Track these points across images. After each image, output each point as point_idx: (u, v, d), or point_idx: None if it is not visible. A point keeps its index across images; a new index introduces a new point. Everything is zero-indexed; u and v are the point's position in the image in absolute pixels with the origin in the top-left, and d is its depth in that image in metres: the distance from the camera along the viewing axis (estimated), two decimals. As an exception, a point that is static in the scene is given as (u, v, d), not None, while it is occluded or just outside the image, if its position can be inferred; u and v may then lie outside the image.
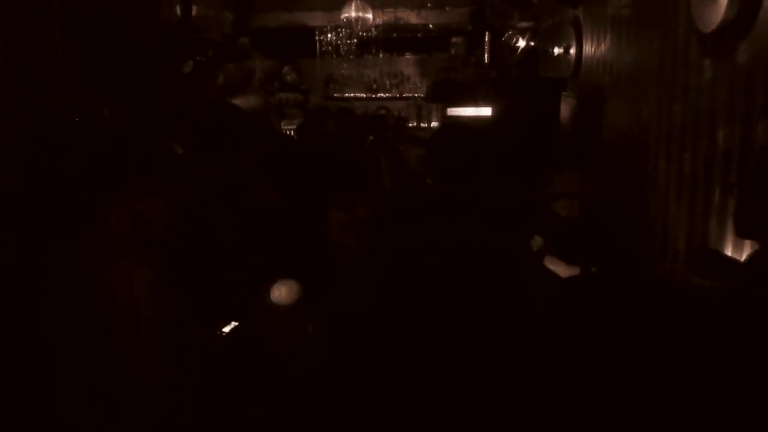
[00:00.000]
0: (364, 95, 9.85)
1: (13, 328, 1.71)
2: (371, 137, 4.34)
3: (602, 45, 4.45)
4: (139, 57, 4.33)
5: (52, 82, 3.53)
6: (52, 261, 1.75)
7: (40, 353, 1.69)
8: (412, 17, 9.22)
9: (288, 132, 7.22)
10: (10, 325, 1.71)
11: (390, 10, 9.02)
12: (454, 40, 8.56)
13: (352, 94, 9.83)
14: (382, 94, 9.84)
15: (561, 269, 3.09)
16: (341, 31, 8.67)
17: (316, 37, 9.09)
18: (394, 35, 9.28)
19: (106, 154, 2.00)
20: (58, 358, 1.69)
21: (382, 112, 9.51)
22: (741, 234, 2.04)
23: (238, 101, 3.62)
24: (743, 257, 2.39)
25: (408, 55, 9.75)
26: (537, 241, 3.19)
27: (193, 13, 5.10)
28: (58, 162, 2.17)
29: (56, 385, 1.70)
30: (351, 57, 9.09)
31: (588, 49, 4.80)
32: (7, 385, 1.69)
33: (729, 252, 2.59)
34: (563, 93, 4.83)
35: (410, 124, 9.48)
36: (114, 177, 1.86)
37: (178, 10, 4.93)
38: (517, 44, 6.82)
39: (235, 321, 2.06)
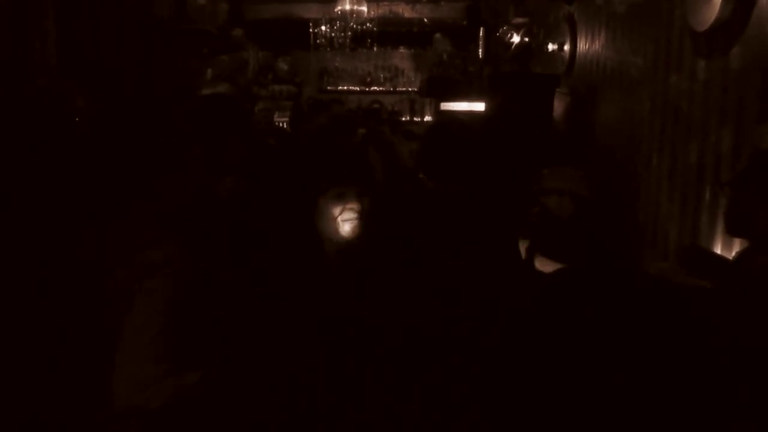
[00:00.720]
0: (358, 89, 9.84)
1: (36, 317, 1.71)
2: (362, 130, 4.33)
3: (596, 42, 4.46)
4: (133, 47, 4.30)
5: (43, 72, 3.51)
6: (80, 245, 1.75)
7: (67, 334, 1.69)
8: (407, 11, 9.21)
9: (281, 124, 7.21)
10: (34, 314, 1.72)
11: (385, 3, 9.00)
12: (435, 37, 8.55)
13: (345, 87, 9.82)
14: (375, 88, 9.83)
15: (551, 267, 3.10)
16: (336, 24, 8.64)
17: (311, 30, 9.06)
18: (389, 29, 9.26)
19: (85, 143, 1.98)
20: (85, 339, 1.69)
21: (376, 105, 9.50)
22: (731, 232, 2.05)
23: (206, 92, 3.62)
24: (732, 255, 2.40)
25: (402, 49, 9.75)
26: (522, 244, 3.20)
27: (187, 4, 5.07)
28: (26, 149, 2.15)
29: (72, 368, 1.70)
30: (345, 50, 9.07)
31: (582, 45, 4.80)
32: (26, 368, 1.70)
33: (719, 250, 2.60)
34: (557, 89, 4.83)
35: (403, 118, 9.48)
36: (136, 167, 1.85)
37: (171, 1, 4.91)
38: (512, 40, 6.80)
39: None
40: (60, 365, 1.71)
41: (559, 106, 4.77)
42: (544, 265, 3.11)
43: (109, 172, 1.89)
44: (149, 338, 1.60)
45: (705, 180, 2.80)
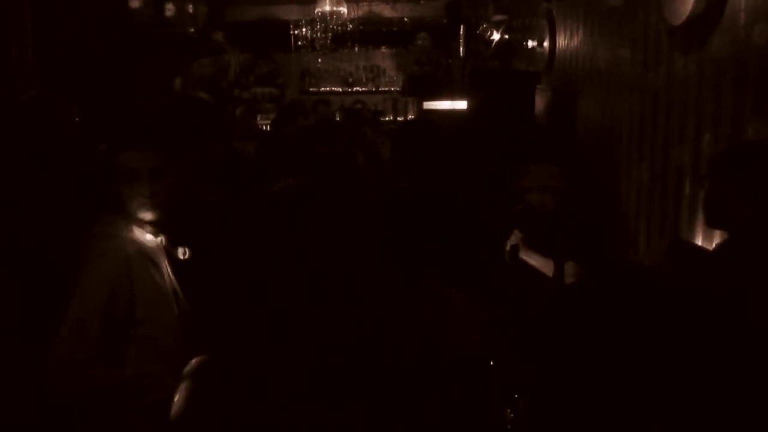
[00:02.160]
0: (340, 89, 9.83)
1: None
2: (348, 132, 4.33)
3: (575, 38, 4.48)
4: (112, 52, 4.27)
5: (22, 78, 3.48)
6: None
7: None
8: (387, 11, 9.21)
9: (263, 126, 7.19)
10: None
11: (365, 3, 9.00)
12: (418, 35, 8.57)
13: (328, 88, 9.81)
14: (358, 88, 9.83)
15: (536, 261, 3.12)
16: (316, 25, 8.64)
17: (291, 31, 9.05)
18: (370, 29, 9.26)
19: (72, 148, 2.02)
20: None
21: (359, 106, 9.50)
22: (711, 224, 2.07)
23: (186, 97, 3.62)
24: (713, 247, 2.43)
25: (384, 49, 9.75)
26: (515, 236, 3.22)
27: (167, 6, 5.05)
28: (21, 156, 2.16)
29: None
30: (326, 51, 9.06)
31: (561, 42, 4.83)
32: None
33: (699, 242, 2.63)
34: (538, 86, 4.85)
35: (386, 118, 9.49)
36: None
37: (150, 4, 4.88)
38: (492, 37, 6.84)
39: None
40: None
41: (540, 103, 4.80)
42: (530, 257, 3.14)
43: (99, 177, 1.93)
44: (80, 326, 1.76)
45: (684, 173, 2.82)
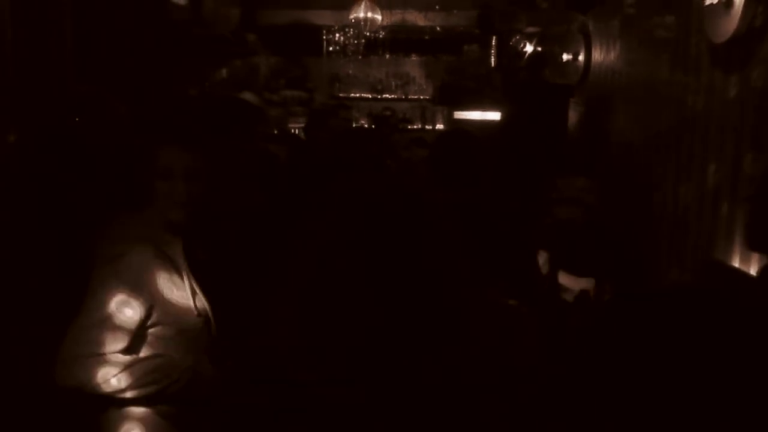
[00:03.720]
0: (369, 95, 9.84)
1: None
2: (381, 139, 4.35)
3: (611, 52, 4.45)
4: (150, 50, 4.32)
5: (61, 75, 3.52)
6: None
7: None
8: (419, 19, 9.21)
9: (294, 130, 7.22)
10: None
11: (398, 11, 9.01)
12: (469, 46, 8.56)
13: (357, 94, 9.82)
14: (387, 95, 9.84)
15: (571, 282, 3.08)
16: (349, 31, 8.66)
17: (323, 36, 9.08)
18: (401, 36, 9.27)
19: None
20: None
21: (387, 113, 9.50)
22: (752, 247, 2.04)
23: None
24: (751, 270, 2.39)
25: (414, 57, 9.75)
26: (541, 254, 3.19)
27: (203, 8, 5.09)
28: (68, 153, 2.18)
29: None
30: (357, 57, 9.09)
31: (597, 56, 4.79)
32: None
33: (737, 264, 2.58)
34: (571, 99, 4.83)
35: (414, 126, 9.48)
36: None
37: (187, 4, 4.92)
38: (524, 49, 6.82)
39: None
40: None
41: (573, 116, 4.77)
42: (565, 279, 3.10)
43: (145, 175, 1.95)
44: (90, 322, 1.78)
45: (722, 193, 2.78)
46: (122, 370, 1.76)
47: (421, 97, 9.65)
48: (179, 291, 1.90)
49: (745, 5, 2.51)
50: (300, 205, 2.81)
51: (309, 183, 3.49)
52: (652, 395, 0.75)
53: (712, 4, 2.74)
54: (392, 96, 9.84)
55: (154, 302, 1.84)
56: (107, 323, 1.77)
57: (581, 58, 5.05)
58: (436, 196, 2.70)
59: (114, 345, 1.77)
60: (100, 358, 1.75)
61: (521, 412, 0.93)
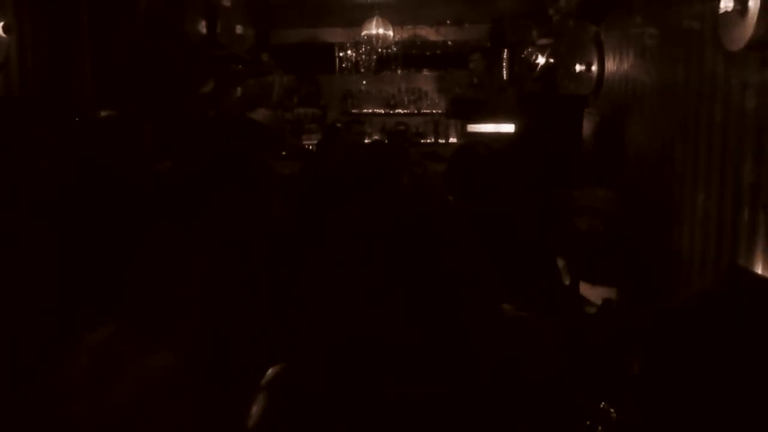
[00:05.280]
0: (383, 111, 9.89)
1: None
2: (395, 155, 4.36)
3: (625, 62, 4.45)
4: (167, 72, 4.38)
5: (80, 96, 3.58)
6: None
7: None
8: (431, 34, 9.27)
9: (308, 147, 7.27)
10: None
11: (410, 27, 9.08)
12: (472, 56, 8.59)
13: (370, 110, 9.88)
14: (400, 110, 9.88)
15: (592, 291, 3.07)
16: (361, 48, 8.74)
17: (336, 54, 9.16)
18: (413, 52, 9.33)
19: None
20: None
21: (401, 127, 9.54)
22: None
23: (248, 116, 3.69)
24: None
25: (426, 72, 9.80)
26: (559, 262, 3.19)
27: (218, 29, 5.16)
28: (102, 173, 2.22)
29: None
30: (370, 73, 9.15)
31: (610, 66, 4.80)
32: None
33: (759, 270, 2.57)
34: (585, 110, 4.83)
35: (428, 140, 9.51)
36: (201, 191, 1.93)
37: (203, 26, 4.99)
38: (537, 61, 6.84)
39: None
40: None
41: (588, 127, 4.77)
42: (584, 289, 3.09)
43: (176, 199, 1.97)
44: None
45: (742, 201, 2.77)
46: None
47: (434, 111, 9.68)
48: None
49: (761, 12, 2.51)
50: (315, 223, 2.83)
51: (323, 200, 3.51)
52: (679, 404, 0.75)
53: (726, 11, 2.74)
54: (405, 111, 9.89)
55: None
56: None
57: (594, 68, 5.06)
58: (453, 211, 2.71)
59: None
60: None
61: (538, 424, 0.94)
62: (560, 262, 3.07)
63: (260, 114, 4.14)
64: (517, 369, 1.09)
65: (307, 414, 1.01)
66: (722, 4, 2.75)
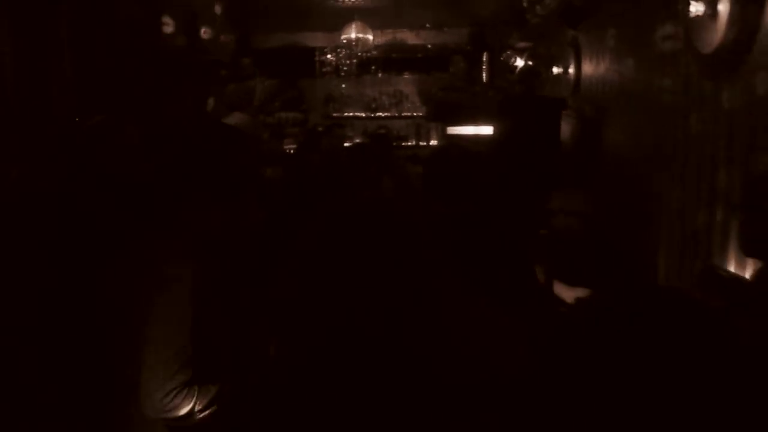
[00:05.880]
0: (364, 114, 9.92)
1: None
2: (376, 158, 4.38)
3: (601, 65, 4.52)
4: (147, 77, 4.37)
5: (62, 103, 3.57)
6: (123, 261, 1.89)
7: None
8: (411, 38, 9.32)
9: (289, 151, 7.27)
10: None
11: (389, 31, 9.11)
12: (453, 59, 8.65)
13: (351, 113, 9.90)
14: (381, 113, 9.91)
15: (566, 293, 3.11)
16: (341, 52, 8.76)
17: (316, 58, 9.18)
18: (394, 55, 9.37)
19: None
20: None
21: (382, 131, 9.57)
22: (747, 253, 2.08)
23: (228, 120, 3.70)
24: (747, 275, 2.43)
25: (407, 75, 9.85)
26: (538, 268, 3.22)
27: (202, 32, 5.16)
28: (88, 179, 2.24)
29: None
30: (351, 77, 9.18)
31: (587, 68, 4.86)
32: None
33: (732, 269, 2.62)
34: (564, 112, 4.88)
35: (409, 143, 9.55)
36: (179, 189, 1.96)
37: (184, 31, 4.99)
38: (515, 64, 6.89)
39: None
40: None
41: (566, 129, 4.83)
42: (560, 290, 3.13)
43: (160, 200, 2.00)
44: (168, 355, 1.76)
45: (716, 200, 2.83)
46: (199, 398, 1.79)
47: (415, 114, 9.73)
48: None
49: (730, 16, 2.57)
50: (294, 226, 2.85)
51: (303, 203, 3.53)
52: (637, 400, 0.77)
53: (697, 15, 2.80)
54: (386, 114, 9.92)
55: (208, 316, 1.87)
56: (185, 352, 1.78)
57: (572, 70, 5.12)
58: (424, 212, 2.74)
59: (188, 372, 1.78)
60: (183, 389, 1.77)
61: (508, 421, 0.96)
62: (536, 263, 3.10)
63: (236, 118, 4.15)
64: (484, 365, 1.12)
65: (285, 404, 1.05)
66: (693, 9, 2.81)
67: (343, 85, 9.77)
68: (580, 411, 0.79)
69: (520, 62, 6.80)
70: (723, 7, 2.62)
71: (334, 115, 9.82)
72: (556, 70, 5.51)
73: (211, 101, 5.78)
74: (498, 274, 2.32)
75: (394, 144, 9.13)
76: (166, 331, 1.78)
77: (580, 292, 2.98)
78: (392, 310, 1.05)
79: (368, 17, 8.18)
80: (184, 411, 1.78)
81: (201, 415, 1.81)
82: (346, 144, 7.76)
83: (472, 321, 1.30)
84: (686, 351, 0.77)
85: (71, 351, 1.98)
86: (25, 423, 1.99)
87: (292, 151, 7.25)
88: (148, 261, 1.86)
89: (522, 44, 6.81)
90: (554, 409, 0.82)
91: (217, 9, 5.68)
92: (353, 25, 8.02)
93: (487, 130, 5.66)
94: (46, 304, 2.04)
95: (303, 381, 1.07)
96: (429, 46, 9.32)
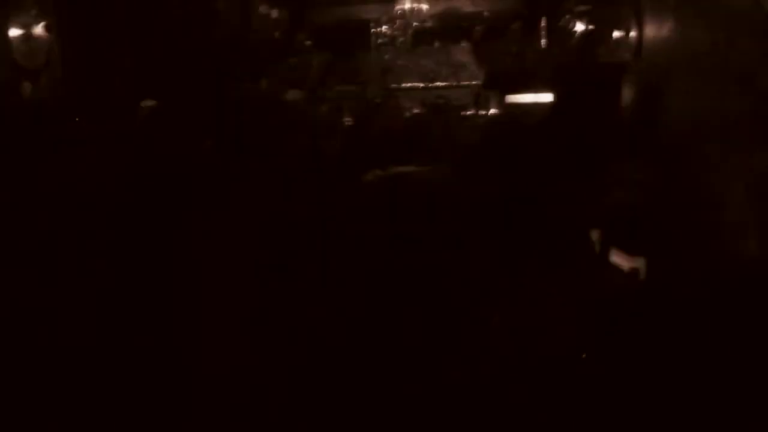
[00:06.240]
0: (421, 84, 9.85)
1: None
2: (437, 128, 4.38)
3: (665, 28, 4.36)
4: (202, 57, 4.45)
5: (122, 88, 3.68)
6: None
7: None
8: (466, 5, 9.18)
9: (346, 124, 7.31)
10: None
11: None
12: (510, 26, 8.48)
13: (408, 84, 9.84)
14: (438, 83, 9.82)
15: (623, 260, 3.07)
16: (396, 23, 8.71)
17: (371, 30, 9.15)
18: (449, 24, 9.25)
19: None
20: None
21: (441, 101, 9.50)
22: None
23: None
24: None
25: (463, 44, 9.71)
26: (594, 233, 3.18)
27: (253, 13, 5.21)
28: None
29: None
30: (407, 48, 9.12)
31: (649, 31, 4.70)
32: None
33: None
34: (624, 78, 4.75)
35: (468, 112, 9.45)
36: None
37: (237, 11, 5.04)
38: (574, 29, 6.72)
39: None
40: None
41: (627, 95, 4.70)
42: (618, 259, 3.09)
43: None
44: None
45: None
46: None
47: (473, 83, 9.60)
48: None
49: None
50: (351, 200, 2.89)
51: (360, 176, 3.55)
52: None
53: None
54: (444, 84, 9.82)
55: None
56: None
57: (633, 34, 4.96)
58: (486, 184, 2.73)
59: None
60: None
61: (554, 401, 0.97)
62: (594, 234, 3.06)
63: (293, 95, 4.18)
64: (533, 346, 1.12)
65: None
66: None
67: (399, 57, 9.71)
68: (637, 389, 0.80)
69: (579, 26, 6.62)
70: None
71: (392, 86, 9.79)
72: (616, 33, 5.35)
73: (263, 81, 5.85)
74: (554, 243, 2.31)
75: (453, 114, 9.06)
76: None
77: (638, 262, 2.93)
78: (449, 283, 1.06)
79: (422, -14, 8.09)
80: None
81: None
82: (404, 115, 7.75)
83: (520, 300, 1.30)
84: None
85: None
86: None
87: (349, 125, 7.29)
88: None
89: (581, 8, 6.62)
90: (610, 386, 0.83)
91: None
92: (407, -5, 7.95)
93: (546, 97, 5.56)
94: None
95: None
96: (485, 13, 9.15)
